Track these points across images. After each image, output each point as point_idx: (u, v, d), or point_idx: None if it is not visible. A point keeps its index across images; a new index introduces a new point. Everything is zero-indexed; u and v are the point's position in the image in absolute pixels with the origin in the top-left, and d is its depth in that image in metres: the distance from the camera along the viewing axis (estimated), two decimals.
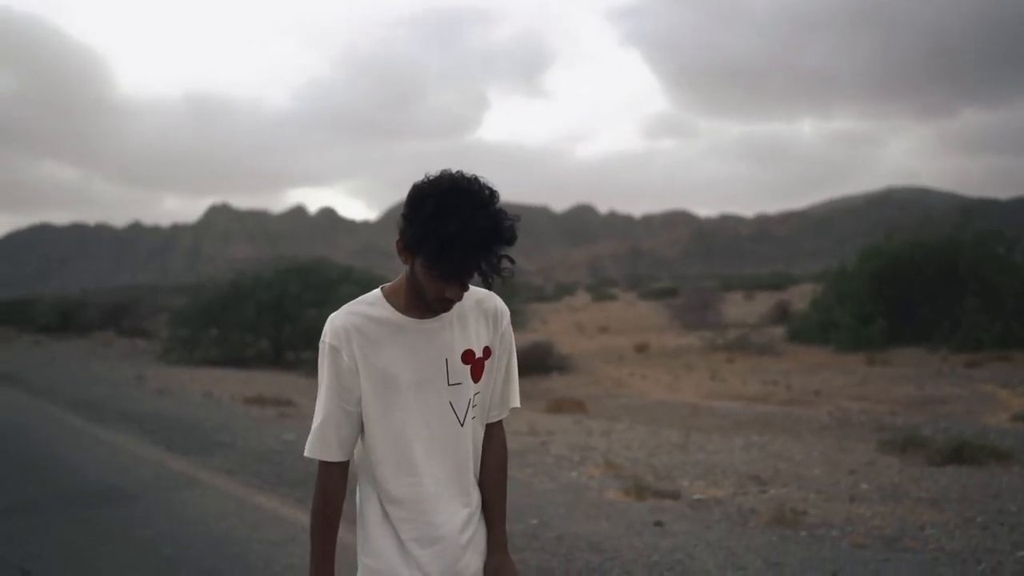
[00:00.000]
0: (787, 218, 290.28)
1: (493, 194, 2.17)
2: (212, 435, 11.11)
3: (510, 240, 2.17)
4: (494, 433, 2.58)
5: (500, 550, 2.55)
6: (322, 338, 2.34)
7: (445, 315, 2.36)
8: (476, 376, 2.43)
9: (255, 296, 27.10)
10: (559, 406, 14.90)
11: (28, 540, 6.58)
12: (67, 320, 45.79)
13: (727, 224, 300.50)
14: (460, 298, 2.29)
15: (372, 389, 2.34)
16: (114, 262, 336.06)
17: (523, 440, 10.53)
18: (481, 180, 2.18)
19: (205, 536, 6.52)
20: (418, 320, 2.36)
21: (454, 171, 2.19)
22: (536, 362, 22.40)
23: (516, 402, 2.61)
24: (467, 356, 2.41)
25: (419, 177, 2.22)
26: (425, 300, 2.29)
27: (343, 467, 2.39)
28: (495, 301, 2.50)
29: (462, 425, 2.41)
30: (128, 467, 9.25)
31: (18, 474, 9.15)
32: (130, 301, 50.29)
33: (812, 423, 12.47)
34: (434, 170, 2.21)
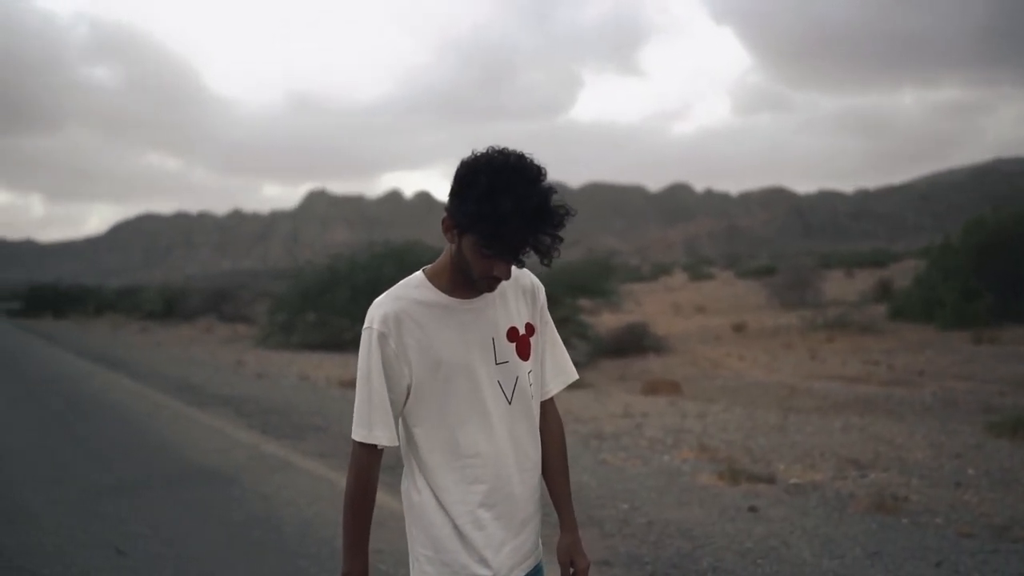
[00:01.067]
0: (888, 193, 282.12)
1: (542, 171, 2.16)
2: (306, 418, 11.24)
3: (561, 217, 2.16)
4: (548, 410, 2.56)
5: (571, 529, 2.54)
6: (367, 324, 2.30)
7: (488, 294, 2.34)
8: (523, 354, 2.42)
9: (351, 280, 27.39)
10: (654, 388, 14.74)
11: (126, 520, 6.72)
12: (171, 307, 47.07)
13: (826, 200, 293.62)
14: (509, 276, 2.27)
15: (422, 373, 2.31)
16: (216, 249, 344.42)
17: (617, 423, 10.43)
18: (528, 157, 2.16)
19: (296, 519, 6.56)
20: (463, 300, 2.34)
21: (500, 148, 2.17)
22: (631, 343, 22.27)
23: (573, 374, 2.60)
24: (512, 334, 2.41)
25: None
26: (471, 279, 2.28)
27: (380, 455, 2.35)
28: (530, 277, 2.49)
29: (510, 403, 2.38)
30: (224, 449, 9.39)
31: (122, 455, 9.38)
32: (231, 287, 51.37)
33: (915, 404, 12.10)
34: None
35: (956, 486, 6.90)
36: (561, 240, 2.19)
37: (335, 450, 9.12)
